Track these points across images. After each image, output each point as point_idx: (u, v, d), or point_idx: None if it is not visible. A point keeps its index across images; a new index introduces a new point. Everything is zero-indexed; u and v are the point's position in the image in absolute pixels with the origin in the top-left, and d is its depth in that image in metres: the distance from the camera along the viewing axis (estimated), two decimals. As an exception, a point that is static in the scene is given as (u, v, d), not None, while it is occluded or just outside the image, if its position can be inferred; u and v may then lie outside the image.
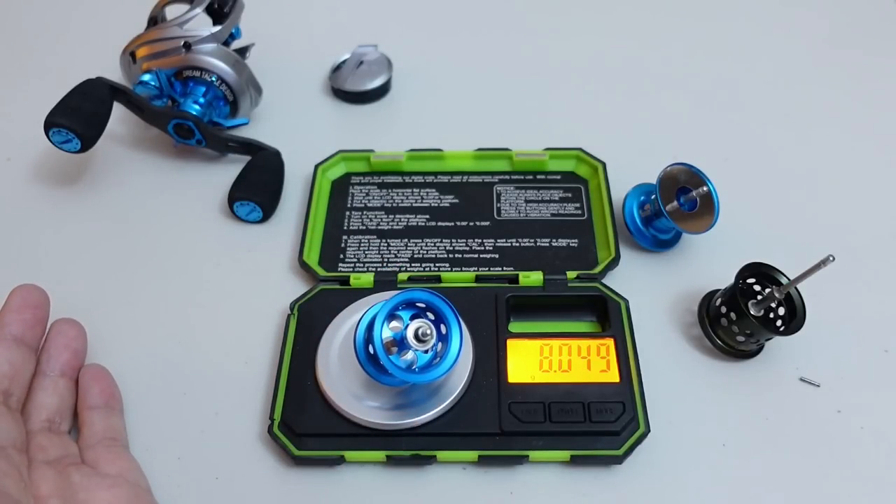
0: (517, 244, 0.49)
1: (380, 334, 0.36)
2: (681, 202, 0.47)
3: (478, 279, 0.47)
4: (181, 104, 0.54)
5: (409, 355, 0.37)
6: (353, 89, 0.60)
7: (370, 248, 0.49)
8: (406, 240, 0.49)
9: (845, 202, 0.53)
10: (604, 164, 0.52)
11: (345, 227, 0.50)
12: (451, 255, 0.48)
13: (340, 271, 0.47)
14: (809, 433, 0.41)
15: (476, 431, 0.39)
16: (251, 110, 0.58)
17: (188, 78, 0.54)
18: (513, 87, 0.62)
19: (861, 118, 0.59)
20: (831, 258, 0.39)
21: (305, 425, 0.40)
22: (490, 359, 0.42)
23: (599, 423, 0.39)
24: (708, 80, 0.63)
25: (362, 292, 0.45)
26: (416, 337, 0.37)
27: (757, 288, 0.44)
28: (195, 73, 0.54)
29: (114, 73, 0.57)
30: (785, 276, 0.43)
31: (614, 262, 0.47)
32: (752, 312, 0.42)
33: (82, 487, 0.35)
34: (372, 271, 0.47)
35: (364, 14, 0.70)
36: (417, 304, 0.37)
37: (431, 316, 0.38)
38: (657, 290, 0.48)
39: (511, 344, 0.43)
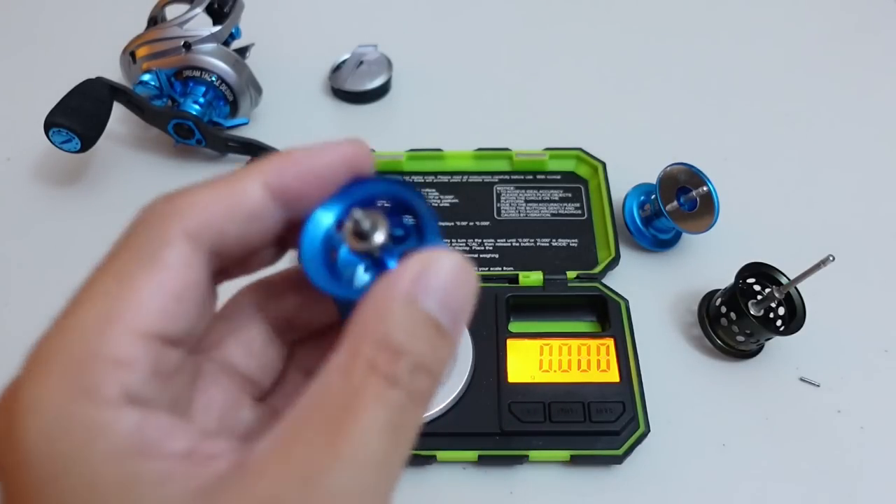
0: (517, 244, 0.49)
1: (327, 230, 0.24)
2: (681, 202, 0.47)
3: (478, 279, 0.46)
4: (181, 104, 0.54)
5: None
6: (352, 89, 0.60)
7: (370, 248, 0.49)
8: (406, 240, 0.49)
9: (845, 202, 0.53)
10: (604, 164, 0.52)
11: (345, 227, 0.50)
12: (451, 255, 0.48)
13: (340, 271, 0.47)
14: (809, 433, 0.41)
15: (476, 431, 0.39)
16: (251, 110, 0.58)
17: (188, 78, 0.54)
18: (513, 87, 0.62)
19: (861, 119, 0.59)
20: (831, 258, 0.39)
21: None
22: (490, 359, 0.42)
23: (599, 423, 0.39)
24: (708, 80, 0.63)
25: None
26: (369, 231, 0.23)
27: (757, 288, 0.44)
28: (195, 73, 0.54)
29: (114, 73, 0.57)
30: (785, 276, 0.43)
31: (614, 262, 0.47)
32: (752, 312, 0.42)
33: None
34: (372, 271, 0.47)
35: (364, 14, 0.70)
36: (380, 204, 0.24)
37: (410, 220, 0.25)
38: (657, 290, 0.48)
39: (511, 344, 0.43)
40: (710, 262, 0.49)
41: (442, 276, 0.21)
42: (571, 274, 0.46)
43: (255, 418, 0.23)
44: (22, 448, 0.17)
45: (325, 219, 0.24)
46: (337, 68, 0.62)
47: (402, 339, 0.19)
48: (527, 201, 0.51)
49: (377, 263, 0.24)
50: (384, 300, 0.19)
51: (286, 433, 0.18)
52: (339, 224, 0.24)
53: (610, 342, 0.43)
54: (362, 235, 0.23)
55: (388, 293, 0.20)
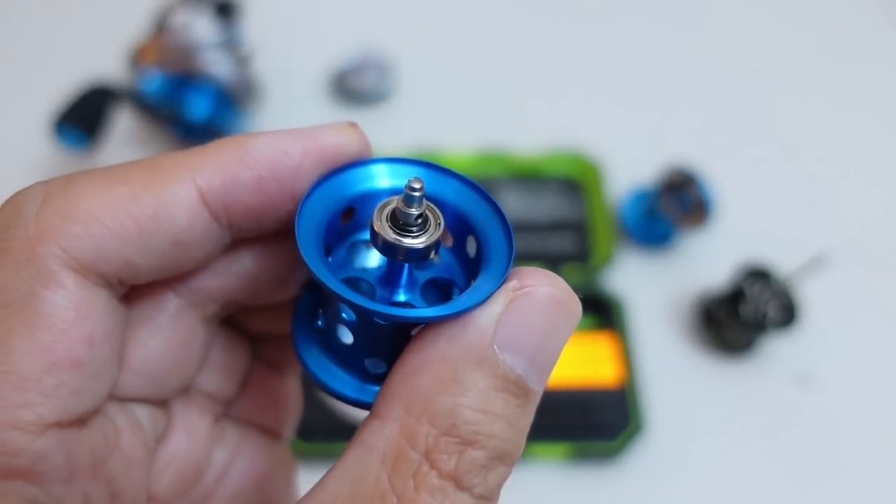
0: (516, 244, 0.49)
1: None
2: (680, 202, 0.47)
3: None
4: (183, 105, 0.54)
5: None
6: (353, 89, 0.61)
7: (371, 247, 0.49)
8: (406, 240, 0.49)
9: (845, 202, 0.53)
10: (603, 165, 0.52)
11: (345, 227, 0.50)
12: (451, 255, 0.48)
13: (341, 271, 0.48)
14: (807, 431, 0.41)
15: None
16: (252, 111, 0.59)
17: (190, 79, 0.55)
18: (513, 87, 0.62)
19: (860, 119, 0.59)
20: (828, 258, 0.39)
21: (305, 420, 0.40)
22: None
23: (598, 421, 0.40)
24: (707, 81, 0.63)
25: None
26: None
27: (756, 287, 0.44)
28: (197, 74, 0.54)
29: (116, 73, 0.58)
30: (783, 275, 0.43)
31: (614, 261, 0.47)
32: (749, 312, 0.42)
33: None
34: (372, 271, 0.47)
35: (365, 14, 0.70)
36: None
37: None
38: (657, 289, 0.48)
39: (511, 343, 0.43)
40: (710, 261, 0.49)
41: (538, 316, 0.14)
42: (570, 273, 0.46)
43: (224, 453, 0.19)
44: None
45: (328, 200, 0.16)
46: (337, 68, 0.62)
47: (477, 418, 0.13)
48: (526, 201, 0.51)
49: (395, 281, 0.16)
50: (450, 354, 0.13)
51: None
52: (348, 212, 0.17)
53: (609, 341, 0.43)
54: (405, 228, 0.16)
55: (457, 344, 0.13)
